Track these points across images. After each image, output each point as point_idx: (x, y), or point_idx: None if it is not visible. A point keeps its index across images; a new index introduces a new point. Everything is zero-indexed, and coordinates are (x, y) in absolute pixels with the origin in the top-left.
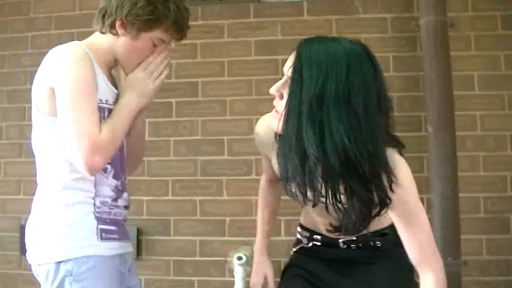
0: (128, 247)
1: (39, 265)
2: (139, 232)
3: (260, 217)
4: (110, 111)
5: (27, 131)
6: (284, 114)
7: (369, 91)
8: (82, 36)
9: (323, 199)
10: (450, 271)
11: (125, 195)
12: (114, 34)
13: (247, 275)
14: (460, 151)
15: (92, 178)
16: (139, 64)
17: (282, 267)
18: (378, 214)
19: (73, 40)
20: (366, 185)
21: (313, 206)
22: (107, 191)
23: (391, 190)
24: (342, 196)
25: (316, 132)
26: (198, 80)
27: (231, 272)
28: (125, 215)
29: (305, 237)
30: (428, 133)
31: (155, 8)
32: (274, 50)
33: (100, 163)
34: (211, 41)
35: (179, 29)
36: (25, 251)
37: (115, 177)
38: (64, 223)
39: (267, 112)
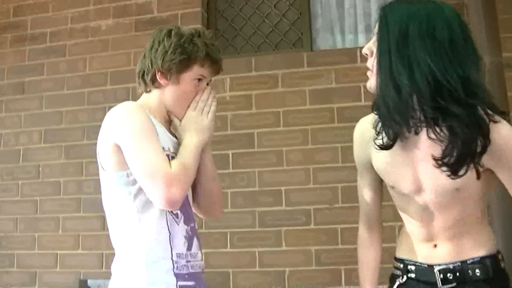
0: None
1: None
2: None
3: (362, 279)
4: (173, 158)
5: (85, 186)
6: (377, 62)
7: (453, 31)
8: (137, 91)
9: (424, 126)
10: None
11: (195, 241)
12: (158, 88)
13: None
14: None
15: (166, 231)
16: (188, 107)
17: None
18: (483, 150)
19: (128, 95)
20: (465, 107)
21: (416, 133)
22: (180, 238)
23: (489, 119)
24: (442, 123)
25: (405, 65)
26: (254, 131)
27: None
28: (202, 265)
29: (399, 269)
30: None
31: (184, 49)
32: (329, 98)
33: (178, 195)
34: (266, 92)
35: (213, 60)
36: None
37: (185, 222)
38: (144, 282)
39: (324, 161)
